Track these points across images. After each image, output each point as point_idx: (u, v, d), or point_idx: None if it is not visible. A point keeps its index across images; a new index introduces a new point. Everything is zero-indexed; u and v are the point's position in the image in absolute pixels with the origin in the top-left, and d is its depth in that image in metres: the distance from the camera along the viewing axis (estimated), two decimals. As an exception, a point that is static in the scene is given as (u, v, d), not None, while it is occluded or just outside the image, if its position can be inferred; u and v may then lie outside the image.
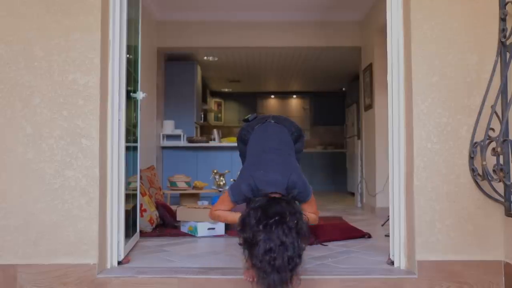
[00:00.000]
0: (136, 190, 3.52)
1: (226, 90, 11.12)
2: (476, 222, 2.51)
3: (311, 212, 2.41)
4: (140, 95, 3.40)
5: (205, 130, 9.72)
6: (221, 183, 5.18)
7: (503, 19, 2.47)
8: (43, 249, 2.52)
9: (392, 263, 2.73)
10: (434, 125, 2.55)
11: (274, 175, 2.28)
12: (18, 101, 2.56)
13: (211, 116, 10.89)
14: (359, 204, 6.49)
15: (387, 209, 2.89)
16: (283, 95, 11.37)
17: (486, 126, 2.41)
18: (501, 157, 2.31)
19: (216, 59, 7.82)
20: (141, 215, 3.91)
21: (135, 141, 3.43)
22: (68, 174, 2.54)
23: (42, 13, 2.59)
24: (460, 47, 2.56)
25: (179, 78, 7.37)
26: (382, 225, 4.36)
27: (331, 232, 3.79)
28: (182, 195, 5.96)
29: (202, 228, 3.95)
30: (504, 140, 2.27)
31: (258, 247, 1.86)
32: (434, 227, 2.51)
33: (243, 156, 2.67)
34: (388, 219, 2.93)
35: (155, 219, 4.18)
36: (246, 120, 2.76)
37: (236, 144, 2.88)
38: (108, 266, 2.67)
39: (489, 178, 2.36)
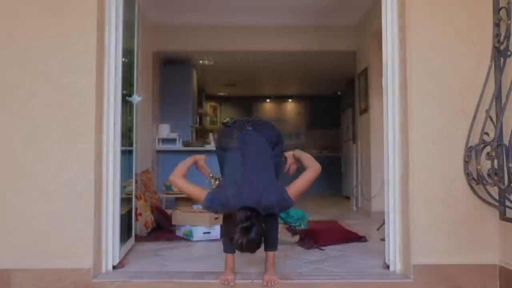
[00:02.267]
0: (131, 194, 3.50)
1: (222, 93, 11.11)
2: (471, 226, 2.52)
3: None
4: (135, 98, 3.40)
5: (201, 134, 9.70)
6: (217, 187, 5.17)
7: (497, 24, 2.49)
8: (38, 253, 2.50)
9: (388, 267, 2.73)
10: (430, 129, 2.56)
11: (249, 201, 2.31)
12: (15, 103, 2.55)
13: (207, 120, 10.88)
14: (354, 208, 6.50)
15: (383, 213, 2.90)
16: (279, 99, 11.37)
17: (480, 130, 2.42)
18: (495, 161, 2.33)
19: (212, 62, 7.82)
20: (137, 219, 3.89)
21: (131, 144, 3.43)
22: (63, 178, 2.53)
23: (39, 16, 2.59)
24: (455, 52, 2.58)
25: (175, 82, 7.35)
26: (378, 229, 4.37)
27: (327, 236, 3.79)
28: (177, 199, 5.93)
29: (198, 232, 3.94)
30: (499, 145, 2.28)
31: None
32: (430, 231, 2.52)
33: (221, 162, 2.68)
34: (384, 223, 2.94)
35: (150, 223, 4.16)
36: (225, 124, 2.76)
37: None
38: (103, 270, 2.66)
39: (484, 182, 2.37)
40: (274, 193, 2.37)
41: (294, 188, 2.43)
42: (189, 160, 2.64)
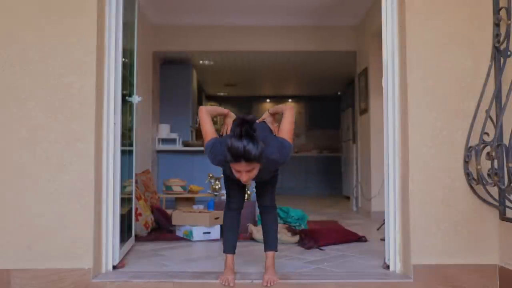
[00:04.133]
0: (131, 194, 3.50)
1: (222, 94, 11.12)
2: (471, 226, 2.52)
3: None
4: (135, 99, 3.40)
5: (201, 134, 9.69)
6: (217, 187, 5.16)
7: (497, 24, 2.50)
8: (38, 253, 2.50)
9: (388, 267, 2.73)
10: (429, 129, 2.56)
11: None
12: (13, 104, 2.55)
13: (207, 120, 10.87)
14: (354, 208, 6.50)
15: (383, 213, 2.90)
16: (279, 99, 11.38)
17: (480, 130, 2.42)
18: (495, 161, 2.33)
19: (211, 63, 7.82)
20: (136, 219, 3.89)
21: (131, 145, 3.42)
22: (63, 178, 2.53)
23: (38, 17, 2.59)
24: (455, 52, 2.58)
25: (175, 82, 7.36)
26: (378, 229, 4.37)
27: (328, 236, 3.79)
28: (177, 199, 5.94)
29: (198, 232, 3.94)
30: (499, 145, 2.28)
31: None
32: (429, 231, 2.52)
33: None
34: (384, 223, 2.94)
35: (150, 223, 4.16)
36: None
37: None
38: (103, 270, 2.66)
39: (484, 182, 2.37)
40: (275, 145, 2.34)
41: (284, 132, 2.44)
42: (223, 110, 2.66)
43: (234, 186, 2.59)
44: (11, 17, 2.58)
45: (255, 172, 2.22)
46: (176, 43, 6.33)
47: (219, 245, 3.71)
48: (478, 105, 2.49)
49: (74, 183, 2.53)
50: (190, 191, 5.85)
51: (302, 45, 6.27)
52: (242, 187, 2.62)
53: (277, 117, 2.66)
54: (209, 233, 3.97)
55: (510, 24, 2.38)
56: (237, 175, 2.23)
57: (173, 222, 4.14)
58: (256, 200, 2.64)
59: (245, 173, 2.19)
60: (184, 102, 7.46)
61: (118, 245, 2.78)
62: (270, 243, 2.58)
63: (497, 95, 2.45)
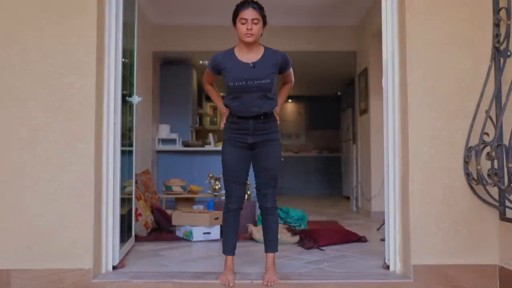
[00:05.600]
0: (131, 194, 3.50)
1: (222, 94, 11.10)
2: (471, 226, 2.52)
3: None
4: (135, 99, 3.40)
5: (201, 134, 9.69)
6: (217, 187, 5.16)
7: (496, 25, 2.50)
8: (38, 253, 2.50)
9: (388, 267, 2.73)
10: (429, 129, 2.56)
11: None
12: (13, 104, 2.55)
13: (207, 120, 10.88)
14: (354, 208, 6.50)
15: (383, 213, 2.90)
16: (279, 99, 11.37)
17: (480, 130, 2.42)
18: (495, 161, 2.33)
19: (211, 63, 7.83)
20: (136, 220, 3.89)
21: (131, 145, 3.42)
22: (63, 178, 2.53)
23: (38, 17, 2.59)
24: (455, 52, 2.58)
25: (175, 82, 7.35)
26: (378, 230, 4.37)
27: (328, 236, 3.79)
28: (177, 199, 5.94)
29: (198, 233, 3.94)
30: (499, 145, 2.28)
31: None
32: (429, 231, 2.52)
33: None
34: (384, 223, 2.94)
35: (150, 223, 4.16)
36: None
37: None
38: (103, 270, 2.66)
39: (484, 183, 2.37)
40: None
41: None
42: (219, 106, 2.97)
43: (234, 184, 2.58)
44: (11, 17, 2.58)
45: (259, 28, 2.62)
46: (176, 43, 6.33)
47: (219, 245, 3.70)
48: (478, 105, 2.49)
49: (74, 183, 2.53)
50: (190, 191, 5.85)
51: (302, 45, 6.26)
52: (243, 184, 2.61)
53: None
54: (209, 233, 3.97)
55: (510, 24, 2.38)
56: (243, 28, 2.54)
57: (173, 222, 4.14)
58: (257, 200, 2.64)
59: (251, 22, 2.56)
60: (184, 102, 7.45)
61: (118, 245, 2.79)
62: (271, 244, 2.59)
63: (497, 95, 2.45)
